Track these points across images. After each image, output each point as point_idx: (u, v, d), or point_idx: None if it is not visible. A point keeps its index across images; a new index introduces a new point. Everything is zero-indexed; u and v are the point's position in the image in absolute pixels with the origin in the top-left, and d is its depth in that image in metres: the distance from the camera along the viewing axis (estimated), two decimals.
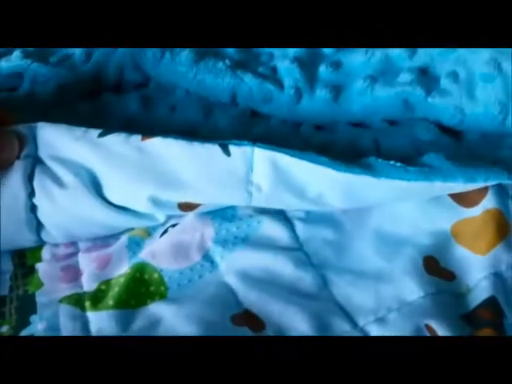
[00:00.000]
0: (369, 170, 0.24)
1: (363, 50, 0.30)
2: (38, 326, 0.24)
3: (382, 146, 0.28)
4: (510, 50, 0.28)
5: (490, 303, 0.23)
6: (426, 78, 0.29)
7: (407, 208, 0.26)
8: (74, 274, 0.26)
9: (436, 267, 0.25)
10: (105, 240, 0.27)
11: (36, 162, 0.25)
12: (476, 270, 0.24)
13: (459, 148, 0.28)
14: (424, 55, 0.29)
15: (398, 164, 0.24)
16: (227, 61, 0.30)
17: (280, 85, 0.30)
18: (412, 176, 0.24)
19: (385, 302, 0.24)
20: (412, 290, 0.24)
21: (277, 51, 0.31)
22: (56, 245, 0.27)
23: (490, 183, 0.25)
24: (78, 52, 0.32)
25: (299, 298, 0.24)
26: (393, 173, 0.24)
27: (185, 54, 0.30)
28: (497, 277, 0.24)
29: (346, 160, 0.24)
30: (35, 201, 0.25)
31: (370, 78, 0.29)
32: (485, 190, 0.26)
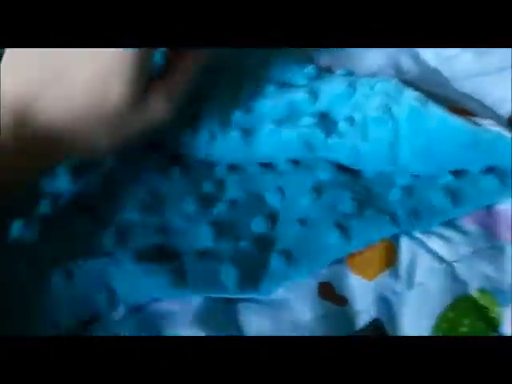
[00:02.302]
0: None
1: (272, 94, 0.33)
2: None
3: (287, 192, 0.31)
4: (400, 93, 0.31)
5: (374, 324, 0.26)
6: (325, 121, 0.31)
7: None
8: None
9: (330, 293, 0.27)
10: None
11: None
12: (364, 295, 0.27)
13: (356, 185, 0.30)
14: (325, 101, 0.32)
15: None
16: None
17: (196, 128, 0.33)
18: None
19: (280, 326, 0.26)
20: (305, 314, 0.26)
21: None
22: None
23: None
24: None
25: None
26: None
27: None
28: (382, 301, 0.26)
29: None
30: None
31: (276, 121, 0.32)
32: None
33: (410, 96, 0.29)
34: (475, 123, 0.29)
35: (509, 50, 0.34)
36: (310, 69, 0.34)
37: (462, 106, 0.32)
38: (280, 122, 0.32)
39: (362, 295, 0.27)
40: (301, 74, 0.34)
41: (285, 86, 0.34)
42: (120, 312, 0.26)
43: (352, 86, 0.31)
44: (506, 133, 0.28)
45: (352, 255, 0.28)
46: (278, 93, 0.33)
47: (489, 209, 0.29)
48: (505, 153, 0.28)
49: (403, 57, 0.37)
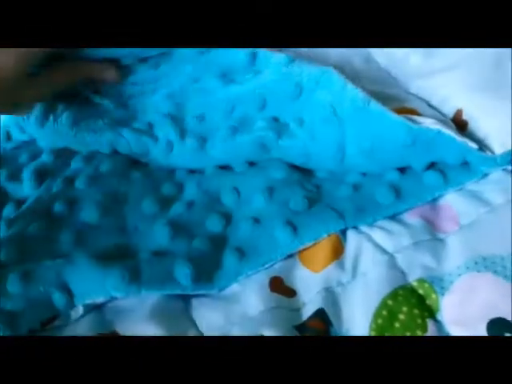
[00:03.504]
0: None
1: (225, 104, 0.34)
2: None
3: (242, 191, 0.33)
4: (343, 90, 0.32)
5: (319, 314, 0.27)
6: (277, 124, 0.33)
7: None
8: None
9: (279, 285, 0.29)
10: None
11: None
12: (311, 287, 0.28)
13: (307, 184, 0.32)
14: (275, 106, 0.34)
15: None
16: (106, 119, 0.34)
17: (155, 138, 0.34)
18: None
19: (230, 319, 0.27)
20: (255, 306, 0.28)
21: (150, 107, 0.35)
22: None
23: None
24: None
25: None
26: None
27: (65, 116, 0.34)
28: (327, 291, 0.28)
29: None
30: None
31: (231, 127, 0.33)
32: None
33: (354, 94, 0.31)
34: (416, 122, 0.30)
35: (455, 50, 0.36)
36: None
37: (407, 106, 0.34)
38: (234, 129, 0.33)
39: (309, 287, 0.29)
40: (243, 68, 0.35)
41: (228, 81, 0.35)
42: (78, 311, 0.28)
43: (299, 86, 0.33)
44: (446, 130, 0.30)
45: (302, 249, 0.30)
46: (224, 92, 0.34)
47: (431, 203, 0.31)
48: (445, 149, 0.30)
49: (356, 57, 0.39)
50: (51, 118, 0.34)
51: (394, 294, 0.27)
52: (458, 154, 0.29)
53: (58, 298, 0.27)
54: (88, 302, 0.28)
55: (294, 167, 0.33)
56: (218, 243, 0.30)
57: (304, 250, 0.30)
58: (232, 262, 0.29)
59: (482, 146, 0.30)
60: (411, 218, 0.30)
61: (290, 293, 0.29)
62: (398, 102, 0.34)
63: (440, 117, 0.33)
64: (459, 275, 0.27)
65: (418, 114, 0.32)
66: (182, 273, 0.28)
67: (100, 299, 0.28)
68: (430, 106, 0.35)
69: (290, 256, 0.30)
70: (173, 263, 0.28)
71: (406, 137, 0.30)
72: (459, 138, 0.29)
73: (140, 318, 0.27)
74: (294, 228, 0.30)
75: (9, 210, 0.31)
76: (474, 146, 0.29)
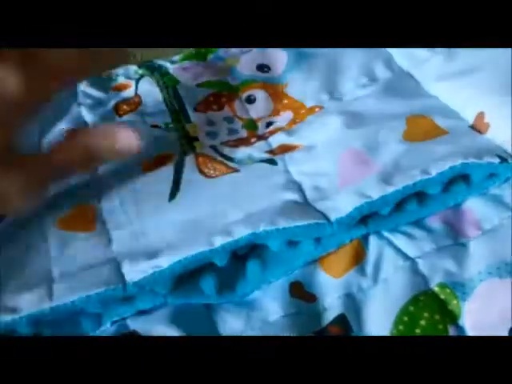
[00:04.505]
0: None
1: None
2: None
3: None
4: None
5: (340, 320, 0.27)
6: None
7: None
8: None
9: (300, 291, 0.29)
10: None
11: None
12: (332, 292, 0.28)
13: None
14: None
15: None
16: None
17: None
18: None
19: (251, 324, 0.28)
20: (275, 312, 0.28)
21: None
22: None
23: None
24: None
25: None
26: None
27: None
28: (348, 297, 0.28)
29: None
30: None
31: None
32: None
33: None
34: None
35: (477, 52, 0.35)
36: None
37: (421, 115, 0.33)
38: None
39: (330, 292, 0.29)
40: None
41: None
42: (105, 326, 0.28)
43: None
44: (468, 160, 0.29)
45: (323, 255, 0.30)
46: None
47: (454, 207, 0.30)
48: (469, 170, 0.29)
49: (377, 61, 0.38)
50: None
51: (415, 300, 0.27)
52: (483, 170, 0.29)
53: (85, 322, 0.28)
54: (116, 318, 0.28)
55: None
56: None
57: (324, 254, 0.30)
58: (255, 271, 0.29)
59: (503, 150, 0.30)
60: (433, 222, 0.30)
61: (311, 298, 0.29)
62: (415, 111, 0.34)
63: (458, 124, 0.32)
64: (481, 281, 0.27)
65: (435, 125, 0.32)
66: (207, 283, 0.28)
67: (127, 313, 0.28)
68: (451, 111, 0.34)
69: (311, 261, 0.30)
70: (199, 273, 0.29)
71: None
72: (481, 161, 0.29)
73: (160, 321, 0.28)
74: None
75: None
76: (496, 160, 0.29)
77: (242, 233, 0.28)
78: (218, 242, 0.28)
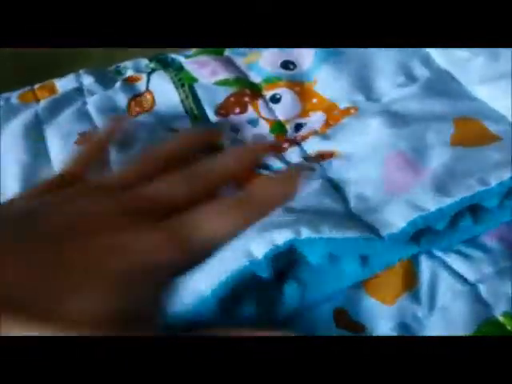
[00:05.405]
0: None
1: None
2: None
3: None
4: None
5: None
6: None
7: None
8: None
9: (346, 320, 0.26)
10: None
11: None
12: (382, 321, 0.25)
13: None
14: None
15: None
16: None
17: None
18: None
19: None
20: None
21: None
22: None
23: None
24: None
25: None
26: None
27: None
28: (402, 327, 0.25)
29: None
30: None
31: None
32: None
33: None
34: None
35: None
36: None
37: (469, 117, 0.30)
38: None
39: (379, 321, 0.25)
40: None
41: None
42: None
43: None
44: None
45: (369, 278, 0.26)
46: None
47: (509, 223, 0.27)
48: None
49: (413, 58, 0.35)
50: None
51: (479, 332, 0.24)
52: None
53: None
54: None
55: None
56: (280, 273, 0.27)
57: (370, 278, 0.27)
58: (294, 293, 0.26)
59: None
60: (489, 240, 0.27)
61: (359, 329, 0.25)
62: (459, 113, 0.31)
63: (509, 130, 0.29)
64: None
65: (486, 130, 0.29)
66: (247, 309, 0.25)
67: None
68: (498, 114, 0.31)
69: (355, 285, 0.26)
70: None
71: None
72: None
73: None
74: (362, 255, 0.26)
75: None
76: None
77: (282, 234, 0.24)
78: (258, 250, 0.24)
